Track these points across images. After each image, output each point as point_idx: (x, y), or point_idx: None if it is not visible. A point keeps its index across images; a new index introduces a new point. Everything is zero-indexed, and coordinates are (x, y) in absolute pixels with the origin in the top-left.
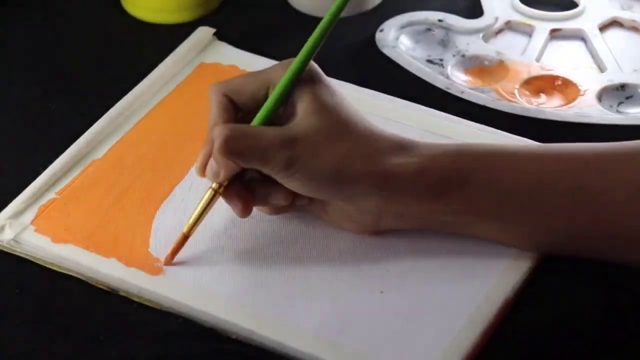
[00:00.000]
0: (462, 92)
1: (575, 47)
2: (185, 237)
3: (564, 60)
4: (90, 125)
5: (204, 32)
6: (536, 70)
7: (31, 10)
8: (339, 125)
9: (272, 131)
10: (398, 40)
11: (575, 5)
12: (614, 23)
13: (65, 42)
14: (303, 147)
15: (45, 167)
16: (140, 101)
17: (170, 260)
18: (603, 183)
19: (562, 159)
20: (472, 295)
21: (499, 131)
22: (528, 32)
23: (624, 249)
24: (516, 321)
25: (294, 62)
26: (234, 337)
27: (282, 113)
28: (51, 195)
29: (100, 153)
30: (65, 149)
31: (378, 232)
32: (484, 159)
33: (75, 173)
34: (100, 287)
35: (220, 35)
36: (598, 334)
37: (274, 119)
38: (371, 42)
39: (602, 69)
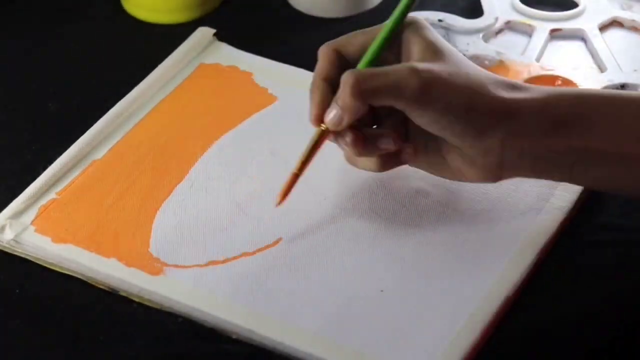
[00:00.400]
0: None
1: (575, 47)
2: (296, 176)
3: (564, 60)
4: (90, 125)
5: (204, 33)
6: (536, 70)
7: (31, 10)
8: (458, 63)
9: (400, 65)
10: None
11: (575, 5)
12: (614, 23)
13: (65, 42)
14: (435, 75)
15: (45, 167)
16: (140, 101)
17: (281, 200)
18: None
19: None
20: (472, 295)
21: None
22: (528, 32)
23: None
24: (516, 321)
25: (397, 8)
26: (234, 337)
27: (393, 61)
28: (51, 195)
29: (100, 153)
30: (65, 149)
31: (499, 178)
32: (606, 100)
33: (75, 173)
34: (100, 287)
35: (220, 35)
36: (598, 333)
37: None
38: None
39: (602, 69)
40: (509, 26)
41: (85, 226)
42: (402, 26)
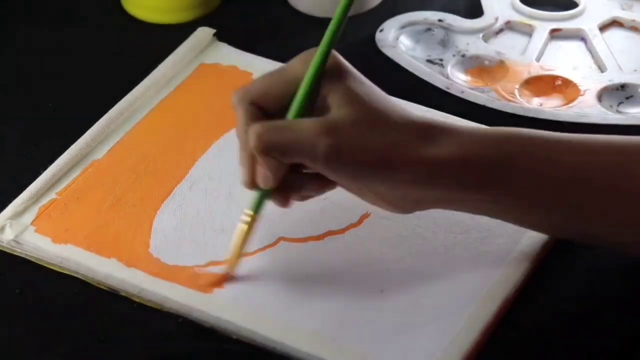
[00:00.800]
0: (462, 92)
1: (575, 47)
2: (229, 276)
3: (564, 60)
4: (90, 125)
5: (204, 33)
6: (536, 70)
7: (31, 11)
8: (376, 114)
9: (308, 121)
10: (398, 40)
11: (576, 5)
12: (614, 23)
13: (65, 41)
14: (344, 135)
15: (45, 167)
16: (140, 101)
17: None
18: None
19: (600, 151)
20: (472, 295)
21: None
22: (528, 32)
23: None
24: (516, 321)
25: (317, 53)
26: (234, 337)
27: (313, 110)
28: (51, 195)
29: (100, 153)
30: (65, 149)
31: (413, 211)
32: (527, 147)
33: (75, 173)
34: (101, 287)
35: (220, 36)
36: (598, 333)
37: (304, 116)
38: (371, 42)
39: (602, 69)
40: (509, 26)
41: (85, 226)
42: (323, 72)
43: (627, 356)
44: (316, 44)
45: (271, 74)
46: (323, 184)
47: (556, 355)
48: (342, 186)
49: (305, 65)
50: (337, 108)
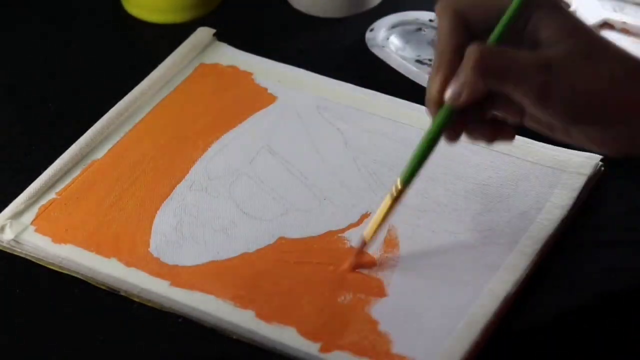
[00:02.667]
0: None
1: None
2: (365, 244)
3: None
4: (90, 125)
5: (204, 33)
6: None
7: (31, 11)
8: (596, 47)
9: (527, 53)
10: (388, 40)
11: (567, 7)
12: (605, 25)
13: (65, 41)
14: (560, 72)
15: (45, 167)
16: (140, 101)
17: (355, 267)
18: None
19: None
20: (472, 294)
21: None
22: None
23: None
24: (516, 321)
25: None
26: (234, 337)
27: (519, 38)
28: (51, 195)
29: (100, 153)
30: (65, 149)
31: (624, 153)
32: None
33: (75, 173)
34: (101, 287)
35: (220, 35)
36: (598, 332)
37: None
38: (362, 42)
39: None
40: None
41: (85, 226)
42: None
43: (626, 356)
44: (317, 44)
45: None
46: (496, 131)
47: (556, 355)
48: (546, 127)
49: None
50: (555, 40)
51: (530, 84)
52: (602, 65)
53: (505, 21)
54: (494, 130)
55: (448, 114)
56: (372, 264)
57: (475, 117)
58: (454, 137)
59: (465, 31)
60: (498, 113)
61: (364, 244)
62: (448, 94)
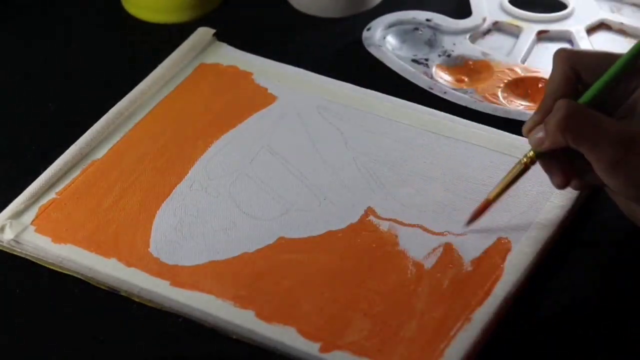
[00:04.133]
0: (445, 93)
1: None
2: (489, 203)
3: (549, 62)
4: (90, 125)
5: (204, 33)
6: (521, 71)
7: (31, 10)
8: None
9: (612, 123)
10: (385, 39)
11: (564, 7)
12: (602, 25)
13: (65, 41)
14: (637, 152)
15: (45, 167)
16: (140, 101)
17: (471, 221)
18: None
19: None
20: (472, 294)
21: (498, 130)
22: (515, 33)
23: None
24: (516, 321)
25: (636, 43)
26: (234, 337)
27: (621, 107)
28: (51, 195)
29: (100, 153)
30: (65, 149)
31: None
32: None
33: (75, 173)
34: (101, 287)
35: (220, 35)
36: (598, 332)
37: (607, 108)
38: (360, 41)
39: None
40: (497, 27)
41: (85, 226)
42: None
43: (626, 355)
44: (317, 44)
45: (603, 53)
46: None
47: (556, 355)
48: (620, 195)
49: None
50: None
51: (604, 154)
52: None
53: (602, 83)
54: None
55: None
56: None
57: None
58: (561, 182)
59: (574, 82)
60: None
61: (488, 203)
62: (531, 139)
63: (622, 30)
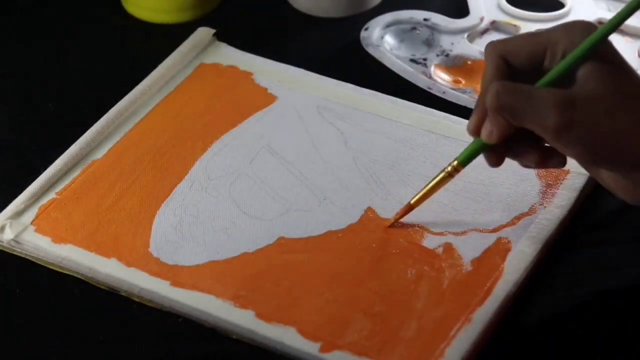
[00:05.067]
0: (444, 92)
1: None
2: (410, 208)
3: None
4: (90, 125)
5: (204, 33)
6: None
7: (31, 10)
8: (624, 95)
9: (547, 91)
10: (383, 39)
11: (562, 6)
12: (600, 24)
13: (65, 41)
14: (582, 112)
15: (45, 167)
16: (140, 101)
17: (392, 225)
18: None
19: None
20: (472, 294)
21: None
22: (513, 32)
23: None
24: (516, 321)
25: (598, 31)
26: (234, 337)
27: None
28: (51, 195)
29: (100, 153)
30: (65, 149)
31: None
32: None
33: (75, 173)
34: (101, 287)
35: (220, 35)
36: (598, 332)
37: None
38: (358, 41)
39: None
40: (495, 26)
41: (85, 226)
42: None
43: (627, 356)
44: (317, 44)
45: (528, 34)
46: (546, 157)
47: (556, 355)
48: (578, 161)
49: (567, 34)
50: (582, 82)
51: (547, 121)
52: (629, 110)
53: (557, 71)
54: (543, 155)
55: (480, 147)
56: None
57: (523, 142)
58: (496, 162)
59: (505, 71)
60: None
61: (410, 207)
62: (482, 133)
63: (619, 29)
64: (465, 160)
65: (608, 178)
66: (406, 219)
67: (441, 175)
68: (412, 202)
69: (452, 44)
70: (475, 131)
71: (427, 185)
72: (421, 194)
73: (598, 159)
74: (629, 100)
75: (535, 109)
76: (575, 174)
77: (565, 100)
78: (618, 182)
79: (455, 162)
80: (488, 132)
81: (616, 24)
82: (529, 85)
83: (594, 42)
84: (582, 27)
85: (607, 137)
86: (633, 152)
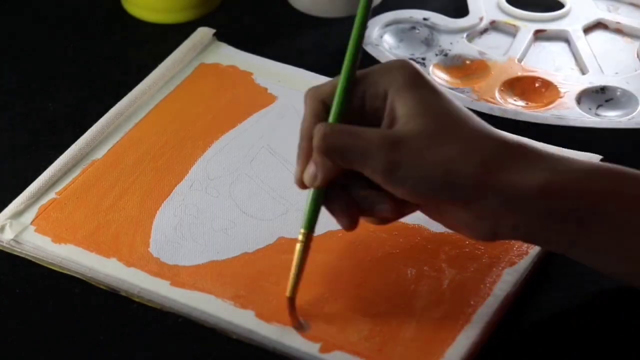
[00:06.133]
0: None
1: (558, 49)
2: (291, 301)
3: (546, 61)
4: (90, 125)
5: (204, 33)
6: (517, 71)
7: (31, 10)
8: (447, 127)
9: (374, 131)
10: (382, 38)
11: (561, 6)
12: (599, 25)
13: (65, 41)
14: (407, 150)
15: (45, 167)
16: (140, 101)
17: (297, 327)
18: None
19: None
20: (472, 294)
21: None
22: (512, 32)
23: None
24: (516, 321)
25: (346, 55)
26: (234, 337)
27: (384, 121)
28: (51, 195)
29: (100, 153)
30: (65, 149)
31: (496, 240)
32: (619, 184)
33: (75, 173)
34: (101, 287)
35: (220, 35)
36: (598, 332)
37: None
38: None
39: (583, 71)
40: (494, 26)
41: (85, 226)
42: (358, 69)
43: (628, 356)
44: (317, 44)
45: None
46: (398, 205)
47: (556, 355)
48: (420, 208)
49: (386, 74)
50: (404, 120)
51: (376, 161)
52: (452, 139)
53: (338, 98)
54: (395, 204)
55: (316, 202)
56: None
57: (368, 195)
58: (351, 224)
59: (324, 116)
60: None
61: (291, 300)
62: (305, 177)
63: (619, 30)
64: (310, 223)
65: (451, 219)
66: (406, 219)
67: (299, 248)
68: (288, 294)
69: (451, 43)
70: (301, 181)
71: (293, 271)
72: (291, 281)
73: (430, 194)
74: (450, 130)
75: (362, 150)
76: None
77: (390, 140)
78: (461, 220)
79: (303, 230)
80: (312, 176)
81: (356, 42)
82: (356, 127)
83: (347, 66)
84: (401, 65)
85: (435, 169)
86: (463, 182)
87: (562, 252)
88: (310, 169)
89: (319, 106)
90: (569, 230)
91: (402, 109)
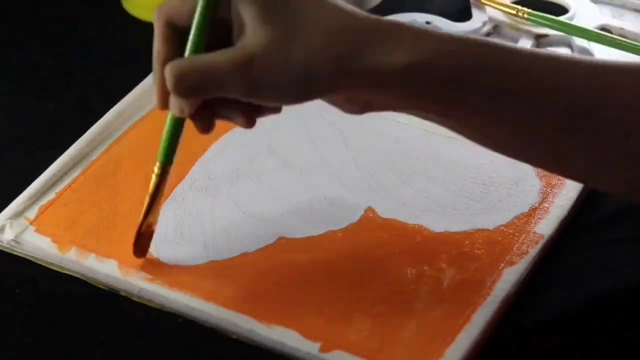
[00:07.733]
0: None
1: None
2: (140, 234)
3: None
4: (90, 125)
5: None
6: None
7: (31, 11)
8: (295, 26)
9: (225, 56)
10: None
11: (565, 11)
12: (603, 30)
13: (65, 41)
14: (260, 67)
15: (45, 167)
16: (140, 101)
17: (140, 254)
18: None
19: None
20: (472, 294)
21: None
22: (515, 37)
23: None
24: (516, 321)
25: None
26: (234, 337)
27: (234, 32)
28: (51, 195)
29: (100, 153)
30: (65, 149)
31: (364, 113)
32: (484, 58)
33: (75, 173)
34: (100, 287)
35: None
36: (599, 332)
37: (223, 39)
38: None
39: None
40: (497, 30)
41: (85, 226)
42: None
43: (628, 356)
44: None
45: None
46: (252, 114)
47: (557, 355)
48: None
49: None
50: (252, 31)
51: (234, 87)
52: (305, 44)
53: (197, 29)
54: (248, 111)
55: (178, 122)
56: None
57: (222, 108)
58: (207, 128)
59: (172, 38)
60: None
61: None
62: (172, 108)
63: (622, 36)
64: (166, 157)
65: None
66: (406, 219)
67: (154, 181)
68: (137, 229)
69: None
70: (164, 104)
71: (146, 202)
72: (143, 214)
73: (295, 99)
74: (299, 32)
75: (217, 81)
76: None
77: (241, 62)
78: (332, 102)
79: (158, 164)
80: (179, 108)
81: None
82: (205, 57)
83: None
84: None
85: (293, 76)
86: (324, 79)
87: (437, 122)
88: (175, 103)
89: (164, 29)
90: (438, 107)
91: (247, 17)
